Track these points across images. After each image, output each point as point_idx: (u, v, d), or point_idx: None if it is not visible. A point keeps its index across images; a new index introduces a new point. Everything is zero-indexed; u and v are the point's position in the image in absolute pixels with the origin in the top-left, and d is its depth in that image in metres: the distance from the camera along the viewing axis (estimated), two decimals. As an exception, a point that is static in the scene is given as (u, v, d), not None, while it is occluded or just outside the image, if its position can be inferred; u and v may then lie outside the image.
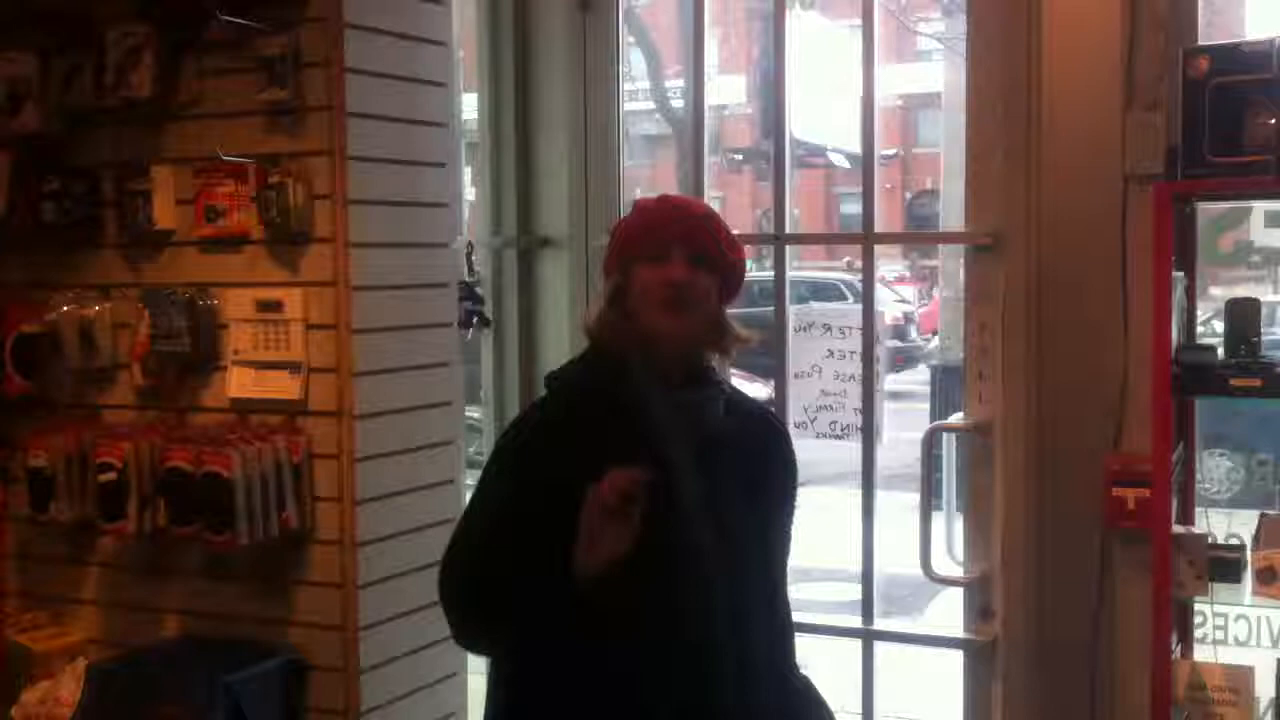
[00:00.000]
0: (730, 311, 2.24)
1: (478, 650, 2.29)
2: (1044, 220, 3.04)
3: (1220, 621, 3.04)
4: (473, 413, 3.68)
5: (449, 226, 3.18)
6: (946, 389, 9.08)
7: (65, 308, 3.10)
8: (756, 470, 2.25)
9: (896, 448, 3.71)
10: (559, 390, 2.25)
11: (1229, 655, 3.01)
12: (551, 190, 3.75)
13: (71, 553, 3.21)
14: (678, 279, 2.13)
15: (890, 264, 19.67)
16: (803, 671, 2.30)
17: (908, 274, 20.76)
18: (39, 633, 3.21)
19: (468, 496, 3.24)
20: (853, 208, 5.05)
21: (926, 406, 10.43)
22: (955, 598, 3.42)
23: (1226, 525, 3.01)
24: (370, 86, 2.91)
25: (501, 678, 2.18)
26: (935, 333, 15.44)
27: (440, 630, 3.08)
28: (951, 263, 10.14)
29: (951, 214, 10.71)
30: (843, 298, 13.48)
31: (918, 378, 14.20)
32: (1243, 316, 2.83)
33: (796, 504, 2.31)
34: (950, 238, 4.12)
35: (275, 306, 2.91)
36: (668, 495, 2.06)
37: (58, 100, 3.08)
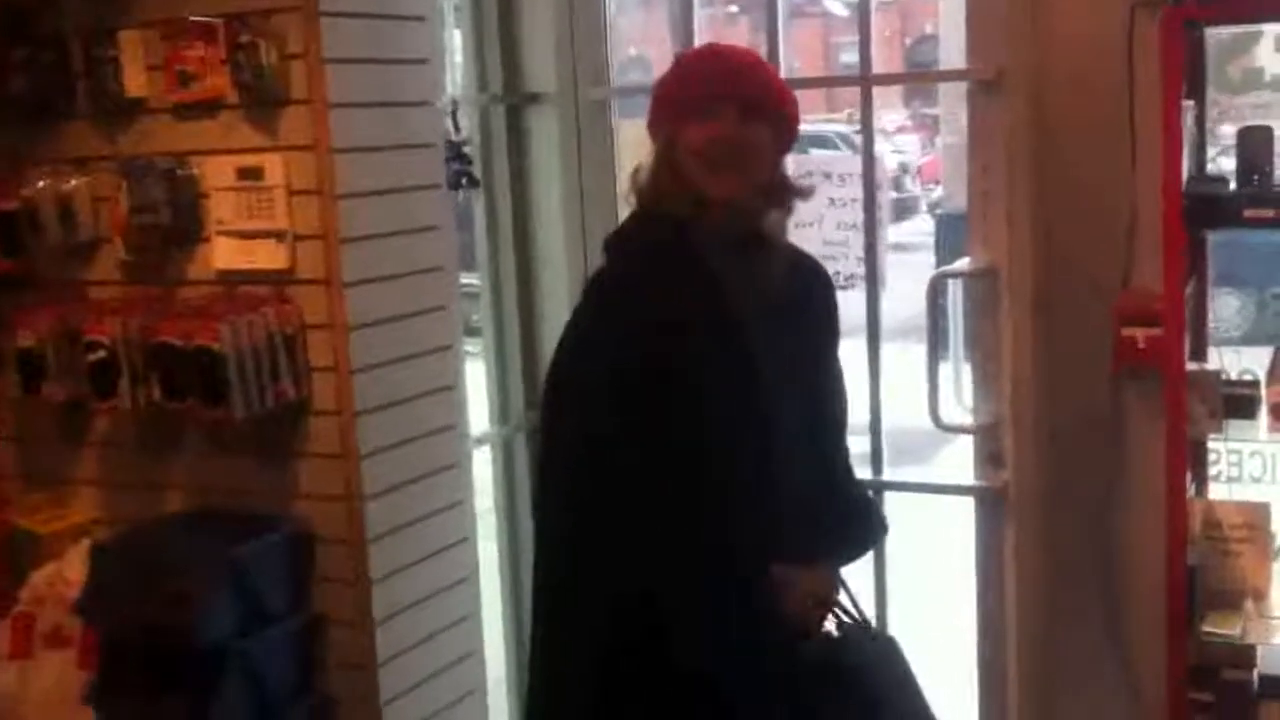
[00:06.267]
0: None
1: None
2: (1048, 53, 2.94)
3: (1234, 459, 3.01)
4: (469, 279, 3.61)
5: (431, 84, 3.07)
6: (949, 239, 9.01)
7: (41, 183, 3.00)
8: (819, 325, 2.26)
9: (900, 300, 3.65)
10: (637, 253, 2.17)
11: (1243, 493, 2.99)
12: (537, 44, 3.63)
13: (68, 433, 3.17)
14: (727, 136, 2.05)
15: (891, 113, 19.35)
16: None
17: (909, 122, 20.45)
18: (42, 515, 3.19)
19: (468, 364, 3.23)
20: (851, 56, 4.92)
21: (928, 258, 10.35)
22: (963, 447, 3.39)
23: (1238, 362, 2.95)
24: (340, -65, 2.78)
25: None
26: (937, 182, 15.31)
27: (447, 497, 3.09)
28: (953, 108, 9.99)
29: (952, 57, 10.51)
30: (836, 149, 13.28)
31: (918, 229, 14.11)
32: (1254, 145, 2.73)
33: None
34: (950, 75, 4.00)
35: (256, 173, 2.82)
36: (751, 361, 2.08)
37: (17, -35, 2.96)
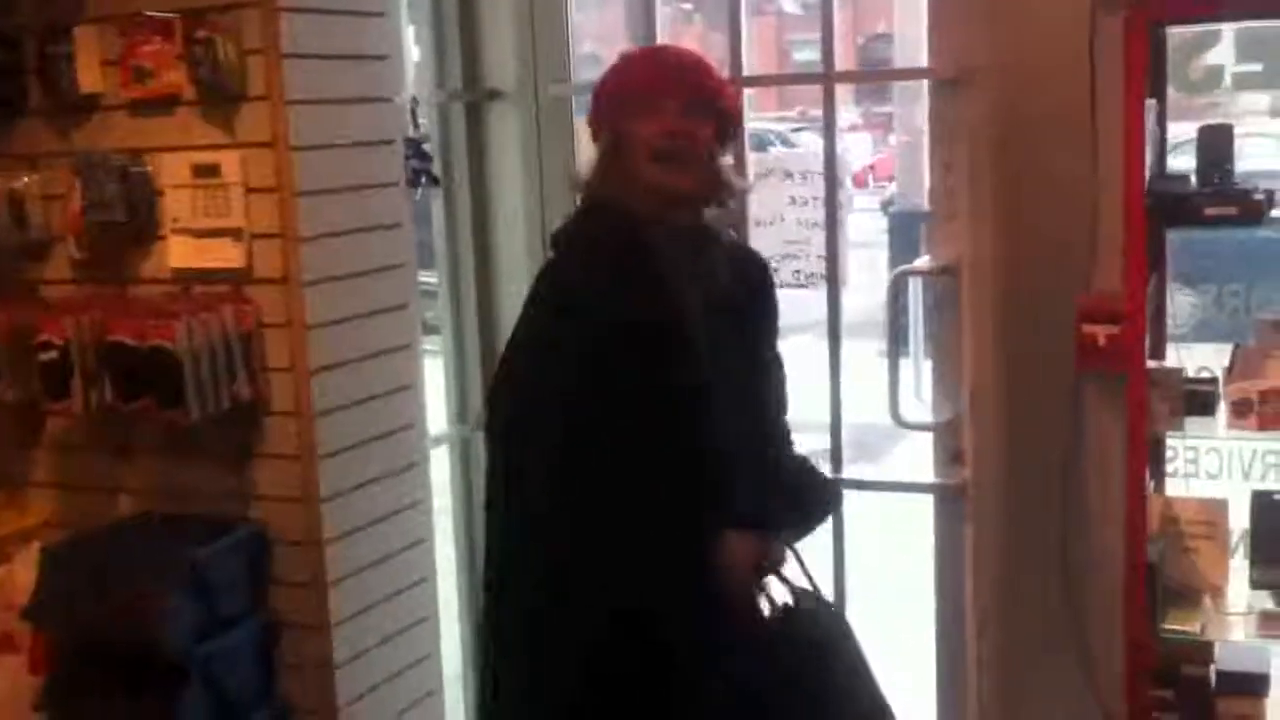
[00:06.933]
0: None
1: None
2: (1010, 51, 2.94)
3: (1191, 455, 3.03)
4: (426, 277, 3.57)
5: (391, 80, 3.04)
6: (903, 236, 9.02)
7: (-9, 180, 2.95)
8: (763, 314, 2.30)
9: (856, 296, 3.66)
10: (589, 250, 2.16)
11: (1200, 489, 3.00)
12: (497, 40, 3.60)
13: (20, 435, 3.11)
14: (675, 130, 2.08)
15: (843, 111, 19.41)
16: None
17: (860, 120, 20.52)
18: (-7, 518, 3.13)
19: (426, 363, 3.20)
20: (805, 54, 4.92)
21: (874, 255, 10.35)
22: (920, 444, 3.39)
23: (1192, 360, 2.97)
24: (299, -70, 2.74)
25: None
26: (891, 179, 15.36)
27: (406, 498, 3.06)
28: (908, 106, 10.01)
29: (906, 56, 10.54)
30: (774, 147, 13.32)
31: (867, 226, 14.18)
32: (1215, 143, 2.75)
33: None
34: (913, 74, 3.99)
35: (213, 171, 2.77)
36: (700, 359, 2.09)
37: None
